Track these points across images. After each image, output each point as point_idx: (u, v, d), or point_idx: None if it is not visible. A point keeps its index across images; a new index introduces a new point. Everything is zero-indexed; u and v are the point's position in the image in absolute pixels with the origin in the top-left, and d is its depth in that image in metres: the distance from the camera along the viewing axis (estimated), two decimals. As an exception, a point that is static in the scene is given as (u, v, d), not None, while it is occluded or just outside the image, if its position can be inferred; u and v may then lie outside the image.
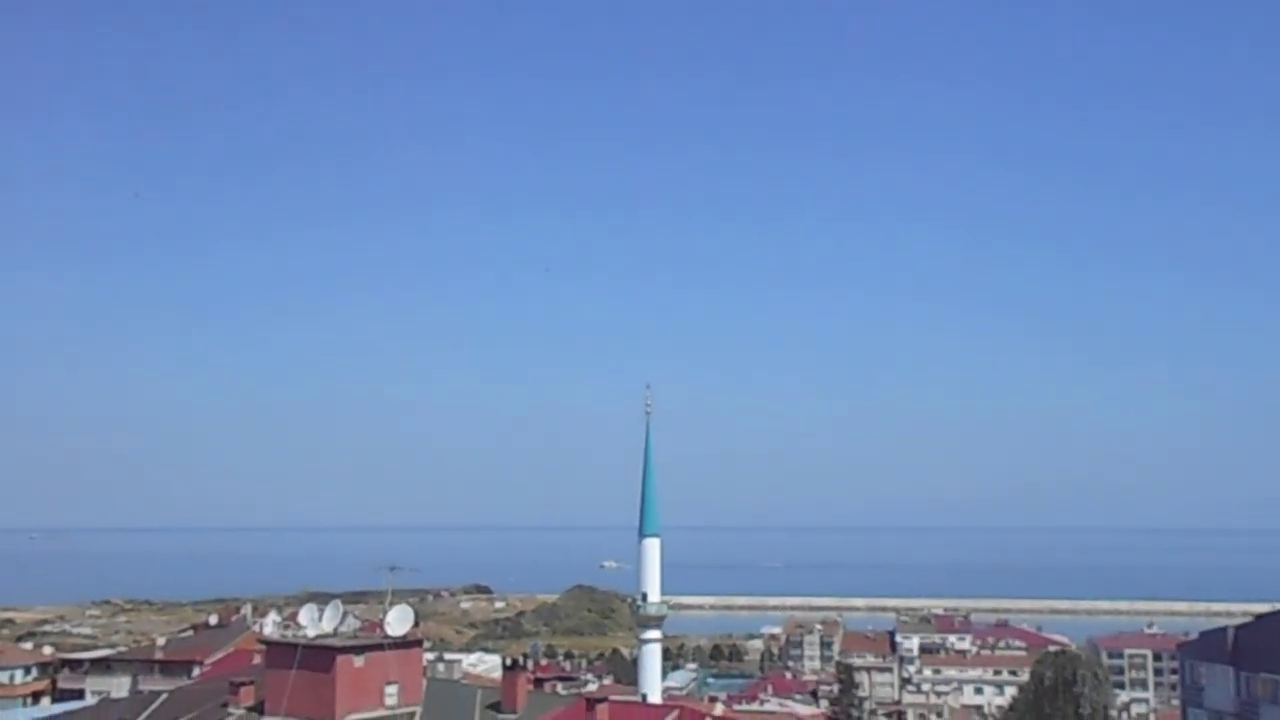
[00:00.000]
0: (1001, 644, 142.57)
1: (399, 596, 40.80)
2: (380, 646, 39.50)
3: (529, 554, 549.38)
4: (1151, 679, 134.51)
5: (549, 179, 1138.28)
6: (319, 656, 39.07)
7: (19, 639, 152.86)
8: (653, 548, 56.47)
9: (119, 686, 74.64)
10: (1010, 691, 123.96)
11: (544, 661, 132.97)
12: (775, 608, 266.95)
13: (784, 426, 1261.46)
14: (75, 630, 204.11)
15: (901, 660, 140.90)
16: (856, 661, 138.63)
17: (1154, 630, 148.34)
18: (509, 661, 45.45)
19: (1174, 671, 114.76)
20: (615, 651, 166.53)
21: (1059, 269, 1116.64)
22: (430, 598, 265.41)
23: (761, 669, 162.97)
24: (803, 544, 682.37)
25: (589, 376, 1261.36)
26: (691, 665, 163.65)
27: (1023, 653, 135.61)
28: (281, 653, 40.23)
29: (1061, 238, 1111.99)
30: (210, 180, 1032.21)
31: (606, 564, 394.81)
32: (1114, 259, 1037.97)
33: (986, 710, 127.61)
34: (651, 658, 55.34)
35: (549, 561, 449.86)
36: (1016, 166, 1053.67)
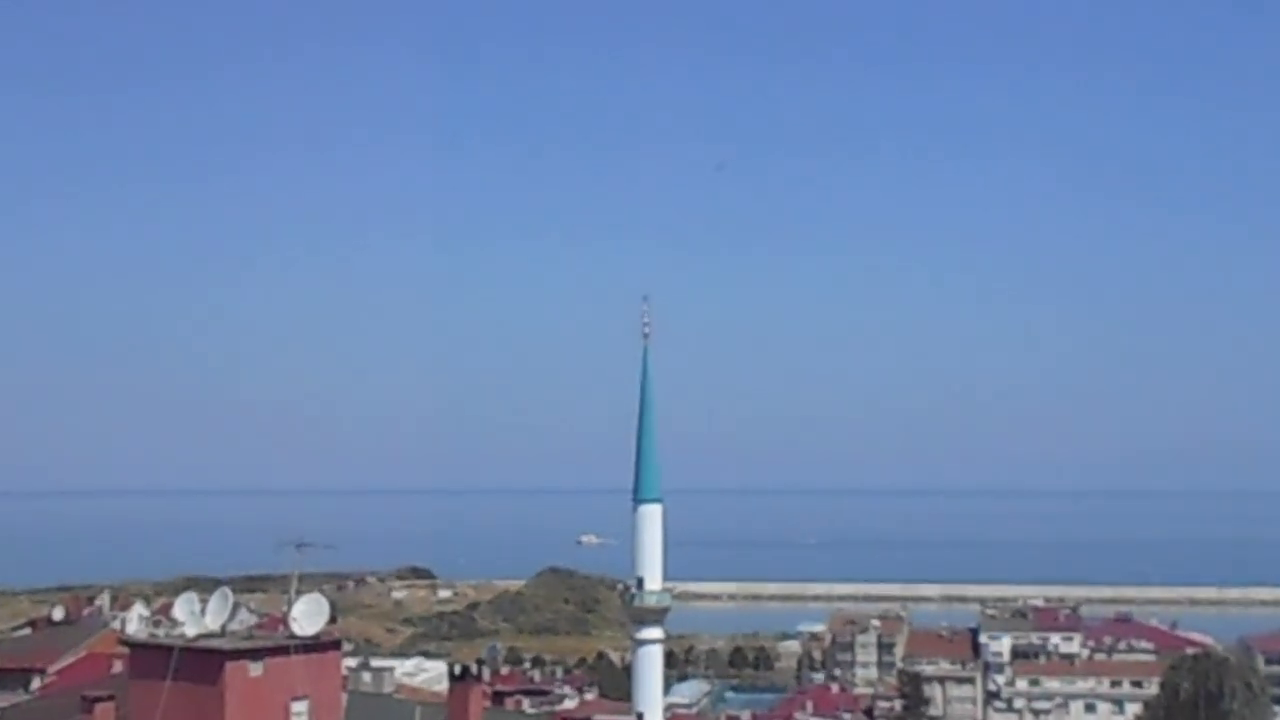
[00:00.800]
0: (1122, 645, 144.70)
1: (309, 583, 41.26)
2: (285, 650, 39.76)
3: (484, 526, 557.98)
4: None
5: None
6: (202, 663, 39.28)
7: None
8: (652, 517, 56.90)
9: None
10: (1134, 709, 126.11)
11: (505, 669, 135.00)
12: (817, 598, 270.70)
13: (826, 359, 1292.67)
14: None
15: (987, 668, 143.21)
16: (926, 669, 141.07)
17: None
18: (458, 669, 45.90)
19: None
20: (601, 656, 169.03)
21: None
22: (351, 585, 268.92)
23: (798, 679, 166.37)
24: (851, 513, 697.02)
25: (565, 282, 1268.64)
26: (705, 674, 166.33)
27: (1151, 657, 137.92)
28: (151, 658, 40.48)
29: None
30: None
31: (585, 539, 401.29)
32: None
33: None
34: (650, 664, 56.06)
35: (511, 536, 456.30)
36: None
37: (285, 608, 39.11)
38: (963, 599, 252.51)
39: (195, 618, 40.87)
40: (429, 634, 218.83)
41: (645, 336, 55.70)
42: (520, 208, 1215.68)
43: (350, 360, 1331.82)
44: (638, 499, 55.96)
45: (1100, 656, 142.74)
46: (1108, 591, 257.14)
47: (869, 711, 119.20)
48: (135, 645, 41.86)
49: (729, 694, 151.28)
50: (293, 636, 38.31)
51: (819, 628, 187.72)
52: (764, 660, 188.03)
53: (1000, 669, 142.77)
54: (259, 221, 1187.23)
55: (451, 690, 44.71)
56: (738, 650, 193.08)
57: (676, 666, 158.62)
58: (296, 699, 39.15)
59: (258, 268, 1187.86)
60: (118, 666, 50.83)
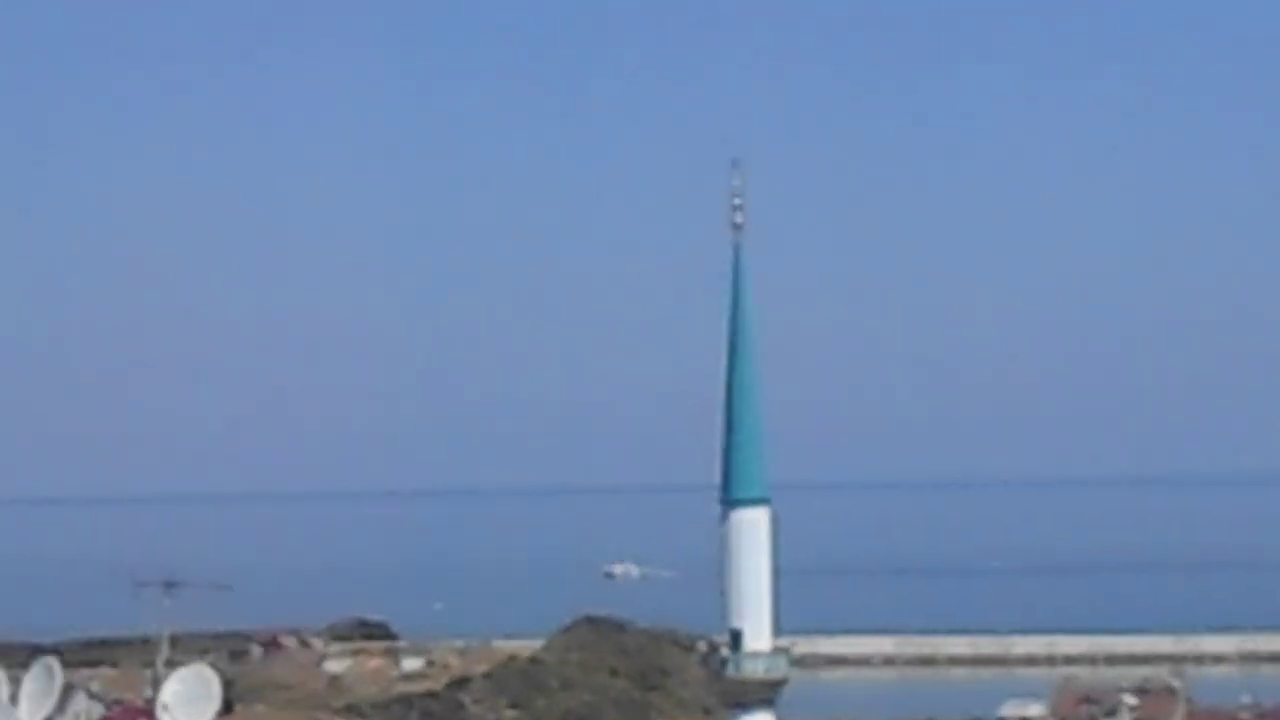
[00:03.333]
0: None
1: (187, 649, 41.77)
2: (150, 760, 39.83)
3: (473, 551, 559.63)
4: None
5: None
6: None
7: None
8: (754, 530, 56.58)
9: None
10: None
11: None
12: (1028, 659, 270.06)
13: (1006, 294, 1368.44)
14: None
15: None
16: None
17: None
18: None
19: None
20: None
21: None
22: (259, 650, 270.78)
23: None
24: (1056, 518, 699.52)
25: (593, 138, 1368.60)
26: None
27: None
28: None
29: None
30: None
31: (618, 569, 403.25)
32: None
33: None
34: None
35: (518, 566, 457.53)
36: None
37: (149, 690, 38.95)
38: (1272, 656, 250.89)
39: (5, 709, 40.94)
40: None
41: (736, 227, 54.92)
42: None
43: (258, 282, 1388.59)
44: (730, 499, 55.49)
45: None
46: None
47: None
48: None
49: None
50: (163, 737, 38.22)
51: (1035, 709, 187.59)
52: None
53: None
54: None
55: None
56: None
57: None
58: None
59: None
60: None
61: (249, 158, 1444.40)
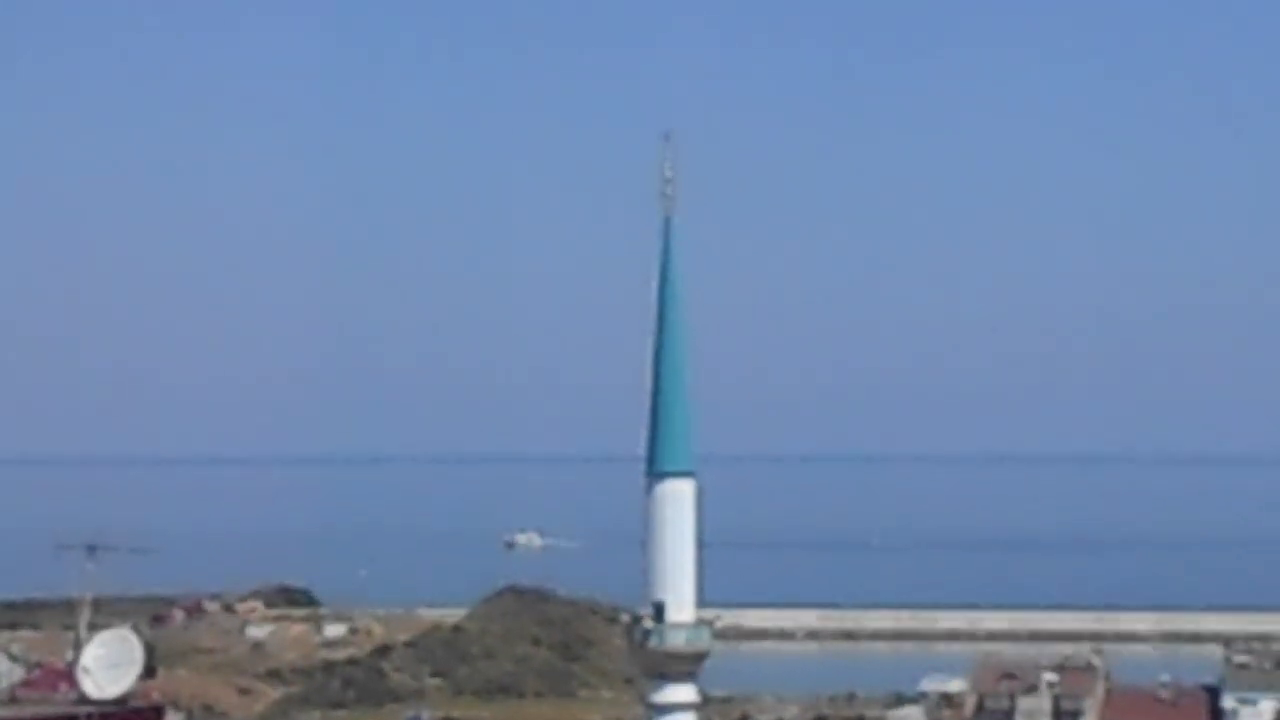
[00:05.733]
0: None
1: (109, 613, 41.87)
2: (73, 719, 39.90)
3: (396, 518, 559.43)
4: None
5: None
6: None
7: None
8: (678, 502, 56.79)
9: None
10: None
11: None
12: (950, 634, 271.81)
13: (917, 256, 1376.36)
14: None
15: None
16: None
17: None
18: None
19: None
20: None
21: None
22: (180, 615, 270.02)
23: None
24: (971, 492, 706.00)
25: (525, 105, 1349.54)
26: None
27: None
28: None
29: None
30: None
31: (520, 538, 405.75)
32: None
33: None
34: (679, 746, 56.22)
35: (443, 535, 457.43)
36: None
37: (71, 653, 39.04)
38: (1193, 635, 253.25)
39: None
40: (310, 697, 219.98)
41: (666, 198, 55.08)
42: None
43: (178, 241, 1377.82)
44: (655, 471, 55.65)
45: None
46: None
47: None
48: None
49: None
50: (84, 700, 38.26)
51: (955, 684, 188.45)
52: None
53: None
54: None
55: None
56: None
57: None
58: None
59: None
60: None
61: (163, 113, 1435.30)
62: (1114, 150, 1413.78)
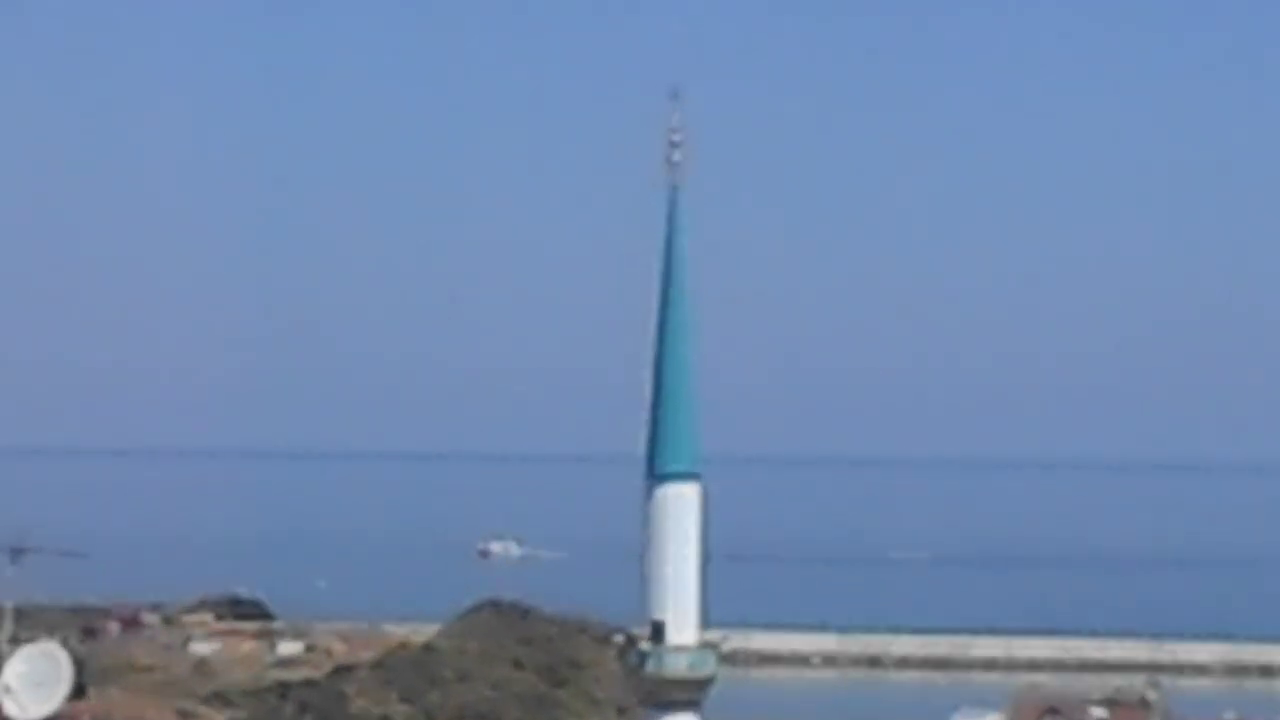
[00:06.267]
0: None
1: (34, 623, 41.95)
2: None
3: (362, 521, 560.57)
4: None
5: None
6: None
7: None
8: (681, 508, 56.86)
9: None
10: None
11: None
12: (987, 663, 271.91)
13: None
14: None
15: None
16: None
17: None
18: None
19: None
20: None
21: None
22: (116, 628, 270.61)
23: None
24: (1013, 501, 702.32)
25: (497, 69, 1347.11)
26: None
27: None
28: None
29: None
30: None
31: (492, 547, 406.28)
32: None
33: None
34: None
35: (407, 540, 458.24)
36: None
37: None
38: (1262, 668, 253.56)
39: None
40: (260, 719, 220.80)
41: (673, 165, 55.00)
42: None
43: (114, 222, 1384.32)
44: (655, 473, 55.71)
45: None
46: None
47: None
48: None
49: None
50: (4, 723, 38.29)
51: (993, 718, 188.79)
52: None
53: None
54: None
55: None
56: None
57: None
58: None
59: None
60: None
61: (95, 89, 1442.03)
62: (1171, 127, 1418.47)
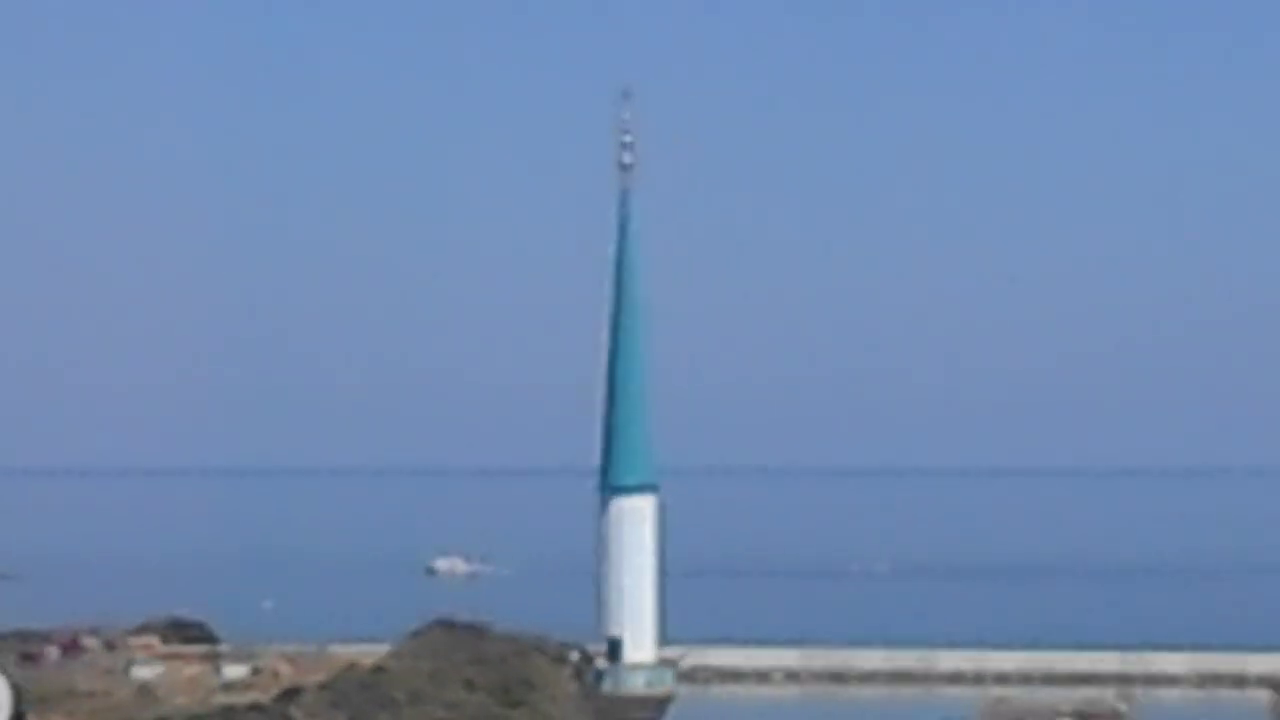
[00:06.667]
0: None
1: None
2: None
3: (310, 538, 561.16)
4: None
5: None
6: None
7: None
8: (636, 521, 57.10)
9: None
10: None
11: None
12: (952, 676, 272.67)
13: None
14: None
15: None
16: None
17: None
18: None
19: None
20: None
21: None
22: (55, 653, 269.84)
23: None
24: (980, 512, 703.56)
25: (452, 65, 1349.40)
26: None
27: None
28: None
29: None
30: None
31: (439, 564, 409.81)
32: None
33: None
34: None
35: (355, 559, 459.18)
36: None
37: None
38: (1236, 678, 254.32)
39: None
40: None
41: (625, 168, 55.06)
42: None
43: (65, 230, 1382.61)
44: (610, 485, 55.92)
45: None
46: None
47: None
48: None
49: None
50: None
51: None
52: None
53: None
54: None
55: None
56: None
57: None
58: None
59: None
60: None
61: (65, 97, 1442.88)
62: (1171, 128, 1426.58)
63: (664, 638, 56.95)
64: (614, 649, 56.29)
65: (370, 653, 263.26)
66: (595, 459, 56.60)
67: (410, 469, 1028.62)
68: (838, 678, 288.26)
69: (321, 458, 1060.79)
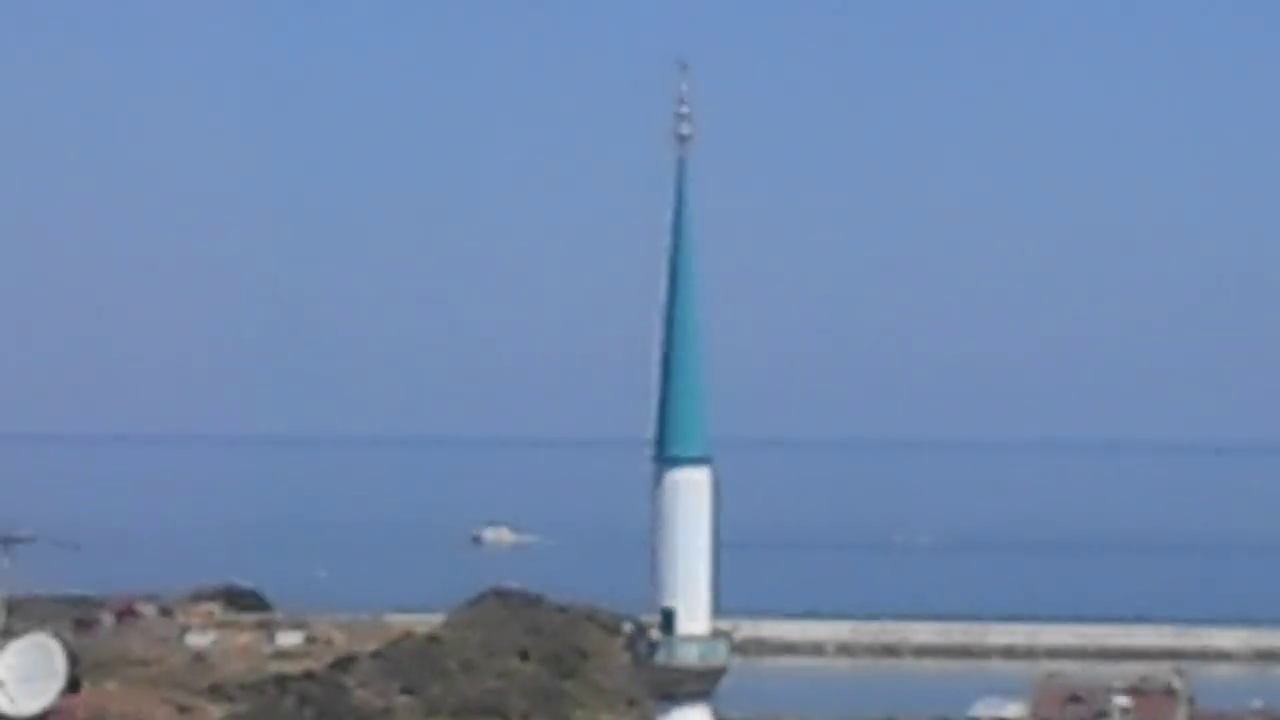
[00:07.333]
0: None
1: (26, 615, 41.93)
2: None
3: (364, 508, 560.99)
4: None
5: None
6: None
7: None
8: (692, 493, 56.74)
9: None
10: None
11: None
12: (1006, 650, 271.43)
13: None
14: None
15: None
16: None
17: None
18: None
19: None
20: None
21: None
22: (110, 619, 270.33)
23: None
24: (1035, 486, 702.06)
25: (501, 39, 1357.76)
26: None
27: None
28: None
29: None
30: None
31: (485, 534, 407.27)
32: None
33: None
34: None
35: (408, 528, 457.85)
36: None
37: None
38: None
39: None
40: (259, 715, 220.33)
41: (681, 138, 54.88)
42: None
43: (113, 210, 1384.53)
44: (665, 457, 55.55)
45: None
46: None
47: None
48: None
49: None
50: (-2, 718, 38.27)
51: (1012, 709, 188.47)
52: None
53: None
54: None
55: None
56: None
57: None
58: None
59: None
60: None
61: (95, 73, 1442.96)
62: (1181, 111, 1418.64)
63: (718, 610, 56.27)
64: (667, 620, 55.39)
65: (423, 622, 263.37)
66: (643, 430, 55.85)
67: (457, 439, 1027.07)
68: (890, 650, 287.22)
69: (370, 427, 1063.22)
